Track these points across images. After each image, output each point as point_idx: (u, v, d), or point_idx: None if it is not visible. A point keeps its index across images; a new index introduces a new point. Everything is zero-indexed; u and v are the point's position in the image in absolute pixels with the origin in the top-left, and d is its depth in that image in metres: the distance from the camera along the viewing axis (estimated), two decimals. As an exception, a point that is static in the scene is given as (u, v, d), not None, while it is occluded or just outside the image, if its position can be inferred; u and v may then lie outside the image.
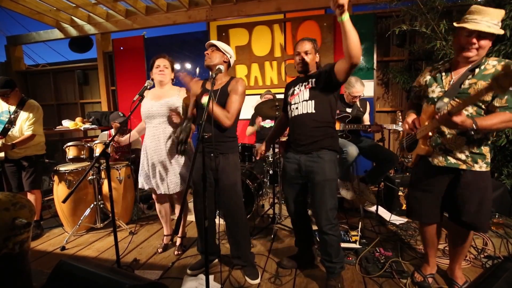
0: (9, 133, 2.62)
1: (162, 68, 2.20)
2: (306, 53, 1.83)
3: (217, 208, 2.16)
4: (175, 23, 4.58)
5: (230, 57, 1.98)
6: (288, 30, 4.24)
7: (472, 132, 1.43)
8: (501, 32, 1.40)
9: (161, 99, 2.19)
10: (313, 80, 1.81)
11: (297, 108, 1.84)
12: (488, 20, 1.39)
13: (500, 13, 1.40)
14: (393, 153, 2.74)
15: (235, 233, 1.99)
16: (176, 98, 2.21)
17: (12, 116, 2.64)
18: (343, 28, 1.47)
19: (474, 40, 1.42)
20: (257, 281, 1.92)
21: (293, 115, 1.87)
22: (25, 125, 2.66)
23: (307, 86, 1.82)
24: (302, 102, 1.81)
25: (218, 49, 1.93)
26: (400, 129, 2.47)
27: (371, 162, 3.26)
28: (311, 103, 1.78)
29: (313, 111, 1.77)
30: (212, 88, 1.62)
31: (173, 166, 2.20)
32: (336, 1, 1.40)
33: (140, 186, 2.31)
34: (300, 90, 1.85)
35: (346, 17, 1.44)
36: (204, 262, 1.95)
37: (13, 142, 2.56)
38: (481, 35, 1.41)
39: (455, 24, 1.50)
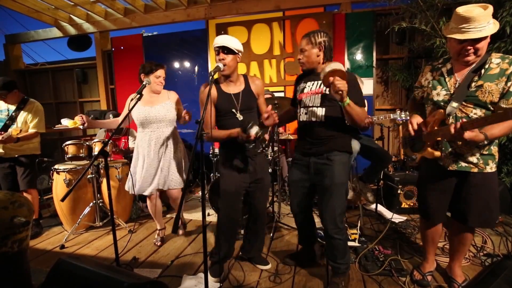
0: (10, 129, 2.63)
1: (162, 80, 2.30)
2: (301, 51, 1.72)
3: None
4: (173, 21, 4.56)
5: (240, 53, 1.81)
6: (287, 28, 4.22)
7: (482, 143, 1.43)
8: (494, 30, 1.36)
9: (156, 104, 2.28)
10: None
11: (306, 113, 1.75)
12: (476, 25, 1.33)
13: (487, 13, 1.34)
14: (387, 152, 2.73)
15: (260, 230, 2.07)
16: (169, 102, 2.33)
17: (13, 113, 2.65)
18: (345, 111, 1.56)
19: (469, 47, 1.39)
20: (269, 265, 2.07)
21: (301, 119, 1.79)
22: (30, 125, 2.70)
23: (321, 91, 1.70)
24: (312, 108, 1.72)
25: (231, 51, 1.74)
26: (398, 117, 2.46)
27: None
28: (321, 111, 1.69)
29: (323, 120, 1.68)
30: (211, 86, 1.60)
31: (172, 165, 2.33)
32: (335, 87, 1.46)
33: (126, 188, 2.38)
34: (310, 90, 1.74)
35: (347, 101, 1.52)
36: (223, 268, 1.96)
37: (18, 136, 2.58)
38: (476, 39, 1.36)
39: (444, 33, 1.48)
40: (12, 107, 2.67)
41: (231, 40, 1.74)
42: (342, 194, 1.70)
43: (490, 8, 1.35)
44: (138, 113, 2.25)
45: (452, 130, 1.35)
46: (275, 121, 1.67)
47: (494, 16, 2.52)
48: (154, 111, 2.25)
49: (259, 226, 2.05)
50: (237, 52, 1.76)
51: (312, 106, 1.72)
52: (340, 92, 1.46)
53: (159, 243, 2.46)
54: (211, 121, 1.80)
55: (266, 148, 1.91)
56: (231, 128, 1.76)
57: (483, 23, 1.33)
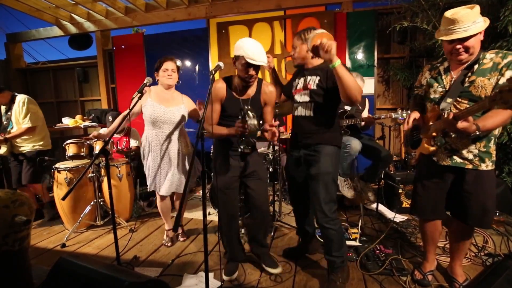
0: (8, 129, 2.65)
1: (170, 73, 2.20)
2: (293, 47, 1.83)
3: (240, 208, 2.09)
4: (174, 20, 4.56)
5: None
6: (288, 27, 4.21)
7: (474, 134, 1.42)
8: (482, 28, 1.38)
9: (172, 106, 2.21)
10: (316, 79, 1.73)
11: (297, 108, 1.84)
12: (461, 26, 1.38)
13: (473, 13, 1.37)
14: (388, 152, 2.73)
15: (264, 227, 2.05)
16: (183, 107, 2.27)
17: (7, 114, 2.67)
18: (337, 74, 1.47)
19: (458, 46, 1.43)
20: (280, 269, 1.95)
21: (294, 114, 1.88)
22: (19, 119, 2.69)
23: (308, 86, 1.76)
24: (302, 103, 1.80)
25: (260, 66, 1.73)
26: (399, 116, 2.45)
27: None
28: (310, 106, 1.76)
29: (311, 115, 1.76)
30: (211, 86, 1.60)
31: (182, 167, 2.30)
32: (323, 45, 1.41)
33: (152, 189, 2.31)
34: (301, 87, 1.81)
35: (337, 63, 1.45)
36: (236, 266, 1.98)
37: (6, 136, 2.58)
38: (464, 38, 1.40)
39: (435, 36, 1.54)
40: (4, 108, 2.71)
41: (265, 58, 1.70)
42: (329, 183, 1.72)
43: (477, 8, 1.39)
44: (153, 110, 2.15)
45: (445, 117, 1.39)
46: (273, 139, 1.65)
47: (497, 15, 2.52)
48: (169, 112, 2.18)
49: (260, 219, 1.97)
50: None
51: (302, 102, 1.80)
52: (329, 50, 1.42)
53: (169, 244, 2.42)
54: (214, 118, 1.82)
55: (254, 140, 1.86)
56: None
57: (467, 23, 1.37)
